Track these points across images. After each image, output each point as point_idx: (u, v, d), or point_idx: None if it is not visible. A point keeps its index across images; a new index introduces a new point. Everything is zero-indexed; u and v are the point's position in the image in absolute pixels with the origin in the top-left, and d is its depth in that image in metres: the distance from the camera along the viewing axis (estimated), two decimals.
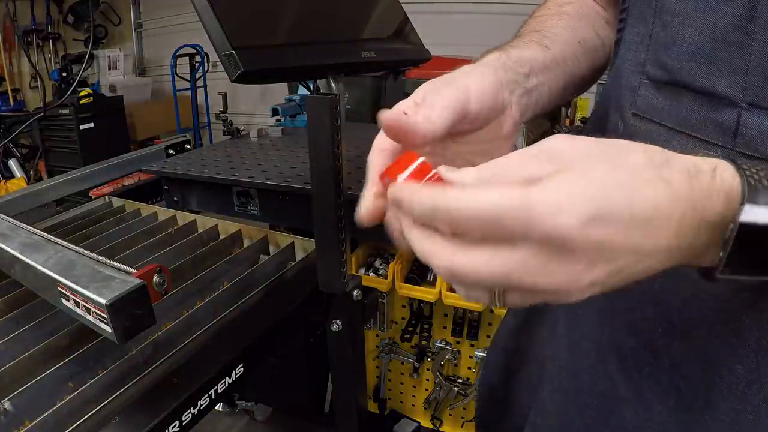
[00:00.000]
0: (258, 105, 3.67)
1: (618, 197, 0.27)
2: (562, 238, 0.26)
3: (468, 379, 1.32)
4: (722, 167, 0.29)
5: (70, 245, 0.67)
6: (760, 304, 0.38)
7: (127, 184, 1.31)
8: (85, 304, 0.56)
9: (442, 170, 0.31)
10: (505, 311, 0.75)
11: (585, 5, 0.59)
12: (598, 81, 0.62)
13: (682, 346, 0.43)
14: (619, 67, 0.49)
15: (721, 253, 0.29)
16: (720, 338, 0.40)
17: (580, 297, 0.30)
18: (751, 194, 0.28)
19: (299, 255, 0.96)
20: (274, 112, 1.70)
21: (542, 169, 0.28)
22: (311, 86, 0.76)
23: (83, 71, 3.09)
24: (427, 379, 1.39)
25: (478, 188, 0.27)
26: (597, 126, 0.56)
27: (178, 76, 3.41)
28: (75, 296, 0.57)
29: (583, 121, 1.77)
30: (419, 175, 0.32)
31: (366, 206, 0.38)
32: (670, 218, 0.28)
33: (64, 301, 0.59)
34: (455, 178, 0.30)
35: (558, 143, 0.29)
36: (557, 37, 0.52)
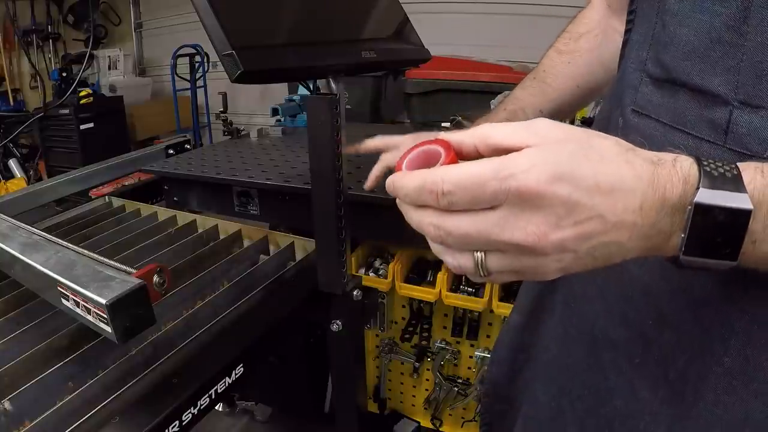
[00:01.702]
0: (258, 105, 3.66)
1: (584, 166, 0.31)
2: (531, 192, 0.30)
3: (468, 379, 1.32)
4: (682, 158, 0.33)
5: (70, 245, 0.67)
6: (746, 298, 0.38)
7: (127, 184, 1.31)
8: (85, 304, 0.56)
9: (442, 134, 0.36)
10: (510, 310, 0.76)
11: (602, 29, 0.67)
12: None
13: (672, 337, 0.44)
14: (624, 66, 0.51)
15: (682, 235, 0.31)
16: (708, 330, 0.41)
17: (554, 264, 0.32)
18: (707, 179, 0.31)
19: (299, 255, 0.96)
20: (274, 112, 1.70)
21: (522, 139, 0.32)
22: (311, 86, 0.75)
23: (83, 71, 3.10)
24: (427, 379, 1.39)
25: (461, 164, 0.32)
26: (602, 124, 0.58)
27: (178, 76, 3.41)
28: (75, 296, 0.57)
29: (583, 121, 1.78)
30: (420, 163, 0.35)
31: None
32: (634, 193, 0.31)
33: (64, 301, 0.59)
34: (455, 137, 0.35)
35: (542, 123, 0.33)
36: (556, 90, 0.68)
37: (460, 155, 0.35)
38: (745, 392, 0.39)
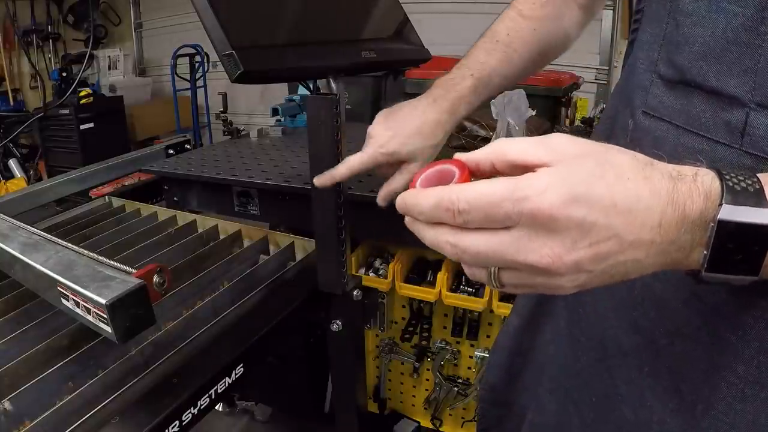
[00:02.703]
0: (258, 105, 3.67)
1: (601, 186, 0.30)
2: (545, 215, 0.29)
3: (468, 379, 1.32)
4: (703, 172, 0.32)
5: (70, 245, 0.67)
6: (761, 304, 0.38)
7: (127, 184, 1.31)
8: (85, 304, 0.56)
9: (457, 155, 0.36)
10: (509, 311, 0.76)
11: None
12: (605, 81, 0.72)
13: (684, 347, 0.43)
14: (632, 66, 0.50)
15: (705, 252, 0.31)
16: (722, 339, 0.40)
17: (569, 284, 0.32)
18: (729, 195, 0.30)
19: (299, 255, 0.96)
20: (274, 112, 1.70)
21: (539, 156, 0.31)
22: (311, 86, 0.75)
23: (83, 71, 3.10)
24: (427, 379, 1.39)
25: (477, 183, 0.31)
26: (607, 125, 0.57)
27: (178, 76, 3.41)
28: (75, 296, 0.57)
29: (583, 121, 1.78)
30: (437, 179, 0.36)
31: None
32: (652, 210, 0.30)
33: (64, 301, 0.59)
34: (471, 156, 0.35)
35: (558, 139, 0.33)
36: (521, 59, 0.66)
37: (477, 172, 0.35)
38: (758, 399, 0.39)
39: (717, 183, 0.31)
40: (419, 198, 0.33)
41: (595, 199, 0.30)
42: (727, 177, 0.31)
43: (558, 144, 0.32)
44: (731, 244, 0.30)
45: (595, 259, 0.31)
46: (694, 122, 0.41)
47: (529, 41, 0.65)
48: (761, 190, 0.30)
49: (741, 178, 0.31)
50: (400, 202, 0.34)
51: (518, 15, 0.66)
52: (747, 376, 0.39)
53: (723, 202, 0.30)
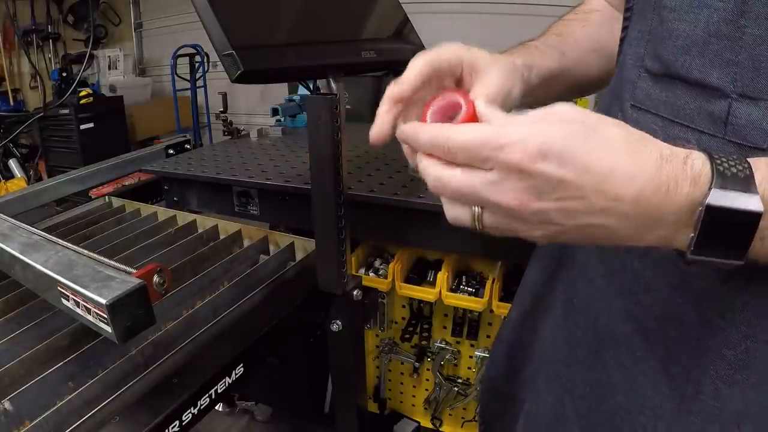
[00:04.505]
0: (258, 105, 3.66)
1: (580, 148, 0.32)
2: (514, 164, 0.32)
3: (468, 379, 1.32)
4: (695, 155, 0.33)
5: (70, 245, 0.67)
6: (749, 290, 0.38)
7: (127, 184, 1.31)
8: (85, 304, 0.56)
9: (480, 105, 0.39)
10: (508, 309, 0.76)
11: (607, 13, 0.63)
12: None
13: (674, 331, 0.44)
14: (621, 62, 0.52)
15: (691, 234, 0.32)
16: (710, 323, 0.41)
17: (539, 232, 0.35)
18: (719, 180, 0.31)
19: (299, 255, 0.96)
20: (274, 112, 1.70)
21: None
22: (311, 86, 0.76)
23: (83, 71, 3.10)
24: (427, 379, 1.39)
25: (466, 126, 0.35)
26: None
27: (178, 76, 3.41)
28: (75, 296, 0.57)
29: None
30: (444, 111, 0.41)
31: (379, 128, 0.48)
32: (630, 182, 0.32)
33: (64, 301, 0.59)
34: (488, 114, 0.38)
35: (562, 106, 0.35)
36: (577, 44, 0.60)
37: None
38: (746, 384, 0.39)
39: (708, 167, 0.32)
40: (419, 134, 0.37)
41: (568, 158, 0.32)
42: (718, 162, 0.32)
43: (560, 109, 0.35)
44: (718, 228, 0.31)
45: (562, 213, 0.33)
46: (679, 113, 0.42)
47: (577, 32, 0.61)
48: (751, 176, 0.31)
49: (731, 163, 0.31)
50: (400, 132, 0.39)
51: (562, 21, 0.63)
52: (736, 362, 0.40)
53: (712, 186, 0.31)
